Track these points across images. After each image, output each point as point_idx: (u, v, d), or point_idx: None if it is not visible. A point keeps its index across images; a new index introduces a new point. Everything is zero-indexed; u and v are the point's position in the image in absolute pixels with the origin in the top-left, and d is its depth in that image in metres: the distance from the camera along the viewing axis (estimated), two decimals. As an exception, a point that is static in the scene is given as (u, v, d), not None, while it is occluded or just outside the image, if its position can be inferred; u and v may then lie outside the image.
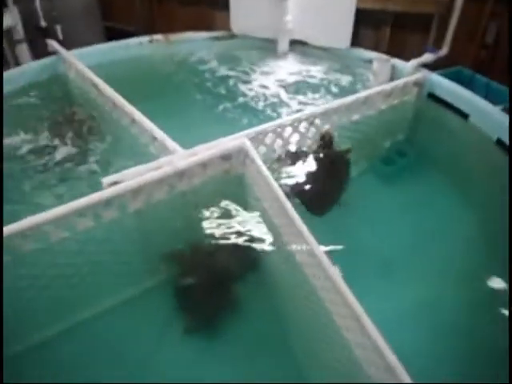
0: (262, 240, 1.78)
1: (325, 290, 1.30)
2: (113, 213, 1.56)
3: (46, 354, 1.61)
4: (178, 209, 1.76)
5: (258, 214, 1.80)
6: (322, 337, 1.32)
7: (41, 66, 2.77)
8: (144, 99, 2.27)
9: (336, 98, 2.21)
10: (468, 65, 2.93)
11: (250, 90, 3.01)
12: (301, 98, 2.89)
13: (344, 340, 1.20)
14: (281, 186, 1.60)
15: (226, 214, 1.85)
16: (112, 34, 3.83)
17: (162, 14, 4.11)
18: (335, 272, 1.24)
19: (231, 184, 1.84)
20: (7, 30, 3.08)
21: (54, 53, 2.79)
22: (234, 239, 1.83)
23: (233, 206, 1.87)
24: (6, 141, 2.38)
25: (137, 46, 3.12)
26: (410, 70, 2.51)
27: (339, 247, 1.61)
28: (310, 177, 2.03)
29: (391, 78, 2.58)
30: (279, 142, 2.02)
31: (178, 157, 1.69)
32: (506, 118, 2.07)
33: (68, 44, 2.91)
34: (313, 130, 2.10)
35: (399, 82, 2.37)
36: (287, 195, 1.54)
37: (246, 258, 1.80)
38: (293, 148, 2.07)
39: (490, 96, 2.38)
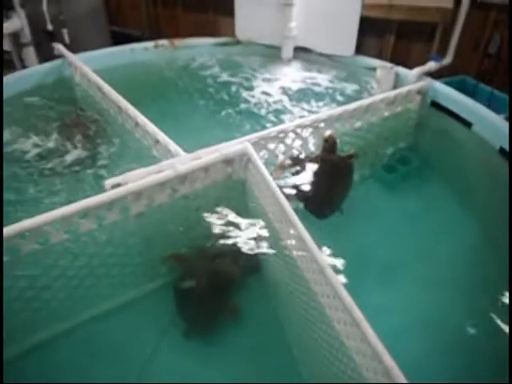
0: (263, 245, 1.77)
1: (325, 296, 1.29)
2: (115, 215, 1.56)
3: (44, 356, 1.61)
4: (179, 212, 1.76)
5: (259, 218, 1.80)
6: (321, 342, 1.31)
7: (47, 69, 2.80)
8: (148, 103, 2.30)
9: (340, 106, 2.21)
10: (471, 74, 2.95)
11: (253, 96, 3.03)
12: (304, 105, 2.90)
13: (343, 346, 1.19)
14: (282, 188, 1.60)
15: (228, 219, 1.85)
16: (118, 39, 3.87)
17: (167, 19, 4.15)
18: (336, 278, 1.23)
19: (233, 188, 1.85)
20: (14, 32, 3.12)
21: (61, 56, 2.82)
22: (235, 244, 1.83)
23: (234, 211, 1.87)
24: (15, 144, 2.41)
25: (142, 50, 3.15)
26: (414, 78, 2.52)
27: (340, 253, 1.61)
28: (313, 180, 2.03)
29: (395, 86, 2.59)
30: (282, 147, 2.02)
31: (180, 160, 1.69)
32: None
33: (74, 48, 2.94)
34: (315, 136, 2.10)
35: (402, 90, 2.37)
36: (289, 198, 1.54)
37: (246, 262, 1.80)
38: (295, 152, 2.08)
39: (493, 105, 2.38)
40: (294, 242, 1.48)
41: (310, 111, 2.82)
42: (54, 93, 2.76)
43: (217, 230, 1.83)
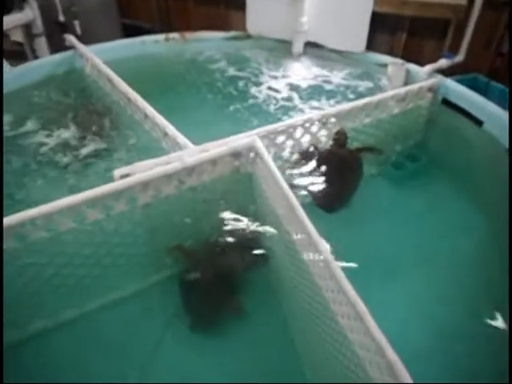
0: (268, 238, 1.77)
1: (330, 291, 1.29)
2: (122, 205, 1.58)
3: (49, 343, 1.63)
4: (186, 204, 1.77)
5: (265, 212, 1.80)
6: (325, 336, 1.31)
7: (58, 60, 2.83)
8: (157, 96, 2.30)
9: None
10: (483, 72, 2.91)
11: (262, 91, 3.02)
12: (314, 102, 2.87)
13: (347, 340, 1.19)
14: (289, 182, 1.60)
15: (234, 212, 1.86)
16: (129, 31, 3.88)
17: (178, 12, 4.15)
18: (341, 272, 1.23)
19: (240, 182, 1.85)
20: (27, 23, 3.14)
21: (72, 47, 2.84)
22: (241, 237, 1.83)
23: (241, 204, 1.87)
24: (32, 136, 2.44)
25: (152, 43, 3.16)
26: (425, 75, 2.49)
27: (346, 248, 1.60)
28: (322, 174, 2.02)
29: (406, 83, 2.57)
30: (290, 141, 2.02)
31: (188, 152, 1.70)
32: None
33: (85, 39, 2.96)
34: (324, 131, 2.09)
35: (413, 87, 2.35)
36: (296, 192, 1.53)
37: (252, 256, 1.80)
38: (304, 146, 2.07)
39: (504, 103, 2.35)
40: (299, 235, 1.47)
41: (320, 109, 2.79)
42: (65, 83, 2.79)
43: (223, 222, 1.84)
